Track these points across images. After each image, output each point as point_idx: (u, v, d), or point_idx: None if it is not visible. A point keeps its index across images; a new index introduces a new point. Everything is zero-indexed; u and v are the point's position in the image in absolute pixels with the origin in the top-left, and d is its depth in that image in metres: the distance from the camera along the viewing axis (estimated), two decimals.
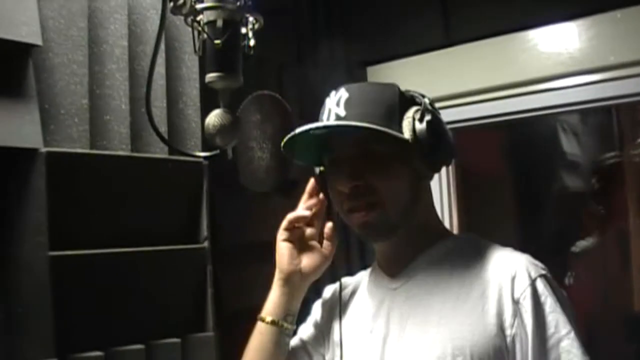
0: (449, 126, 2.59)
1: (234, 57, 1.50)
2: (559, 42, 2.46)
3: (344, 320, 1.57)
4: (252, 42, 1.52)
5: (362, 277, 1.65)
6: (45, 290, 1.63)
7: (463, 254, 1.47)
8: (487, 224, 3.77)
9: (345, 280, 1.67)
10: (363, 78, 2.85)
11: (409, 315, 1.43)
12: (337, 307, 1.59)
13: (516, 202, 4.16)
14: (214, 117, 1.45)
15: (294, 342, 1.66)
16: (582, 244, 3.90)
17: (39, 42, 1.68)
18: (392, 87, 1.47)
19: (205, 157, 1.80)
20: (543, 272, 1.41)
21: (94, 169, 1.77)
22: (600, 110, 4.05)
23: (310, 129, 1.40)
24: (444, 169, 2.67)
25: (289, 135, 1.42)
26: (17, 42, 1.63)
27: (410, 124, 1.38)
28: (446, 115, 2.70)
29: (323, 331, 1.65)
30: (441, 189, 2.78)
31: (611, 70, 2.39)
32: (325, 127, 1.41)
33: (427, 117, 1.39)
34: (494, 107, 2.64)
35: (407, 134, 1.38)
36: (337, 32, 2.84)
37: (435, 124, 1.41)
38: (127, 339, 1.80)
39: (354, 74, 2.86)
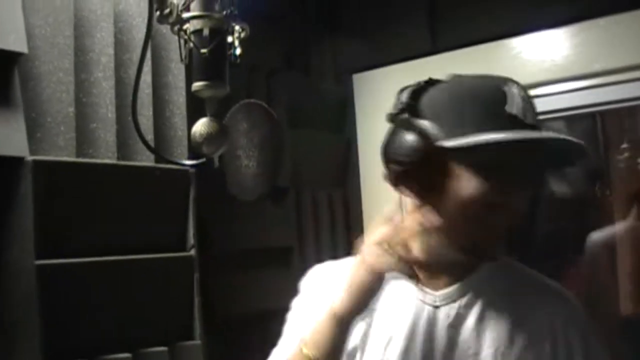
0: None
1: (221, 66, 1.50)
2: (544, 49, 2.48)
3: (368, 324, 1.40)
4: (238, 51, 1.52)
5: None
6: (32, 298, 1.62)
7: (511, 282, 1.39)
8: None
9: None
10: (349, 85, 2.87)
11: (455, 343, 1.33)
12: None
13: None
14: (201, 126, 1.45)
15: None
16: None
17: (25, 50, 1.67)
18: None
19: (191, 166, 1.80)
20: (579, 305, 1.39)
21: (81, 178, 1.76)
22: (585, 116, 4.07)
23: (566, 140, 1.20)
24: None
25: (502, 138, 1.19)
26: (3, 50, 1.62)
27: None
28: None
29: None
30: None
31: (595, 77, 2.42)
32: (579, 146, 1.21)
33: None
34: None
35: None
36: (324, 40, 2.86)
37: None
38: (115, 347, 1.79)
39: (340, 82, 2.87)
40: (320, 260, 2.69)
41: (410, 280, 1.35)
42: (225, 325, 2.20)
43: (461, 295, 1.35)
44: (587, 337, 1.34)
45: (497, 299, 1.34)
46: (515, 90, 1.24)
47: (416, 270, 1.34)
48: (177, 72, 2.05)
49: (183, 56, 1.50)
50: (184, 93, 2.02)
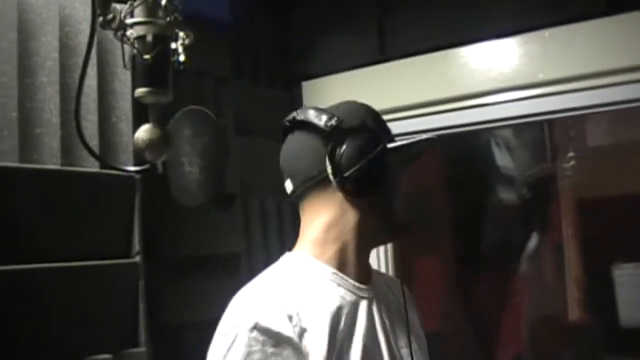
0: None
1: (164, 72, 1.49)
2: (491, 59, 2.52)
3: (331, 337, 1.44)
4: (182, 58, 1.52)
5: (305, 297, 1.46)
6: None
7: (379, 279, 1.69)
8: (423, 235, 3.82)
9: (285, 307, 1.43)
10: (298, 93, 2.87)
11: (393, 323, 1.57)
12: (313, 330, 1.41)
13: (451, 215, 4.23)
14: (143, 132, 1.45)
15: None
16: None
17: None
18: None
19: (135, 172, 1.79)
20: None
21: (24, 183, 1.75)
22: (533, 125, 4.14)
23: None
24: None
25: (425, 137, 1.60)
26: None
27: None
28: None
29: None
30: None
31: (541, 86, 2.46)
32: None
33: None
34: (427, 122, 2.69)
35: None
36: (273, 47, 2.86)
37: None
38: (58, 355, 1.78)
39: (289, 89, 2.88)
40: (268, 266, 2.71)
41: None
42: (171, 332, 2.18)
43: (372, 290, 1.58)
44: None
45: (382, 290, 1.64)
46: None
47: (354, 263, 1.56)
48: (123, 78, 2.03)
49: (125, 62, 1.49)
50: (130, 99, 2.01)
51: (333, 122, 1.51)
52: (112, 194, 1.93)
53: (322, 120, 1.52)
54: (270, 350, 1.35)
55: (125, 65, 1.49)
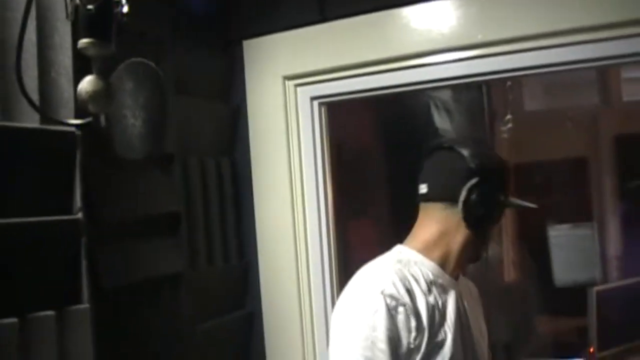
0: (322, 100, 2.67)
1: (107, 24, 1.48)
2: (430, 20, 2.55)
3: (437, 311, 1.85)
4: (125, 9, 1.50)
5: (414, 276, 1.85)
6: None
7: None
8: (360, 198, 3.86)
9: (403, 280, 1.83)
10: (239, 52, 2.87)
11: (468, 314, 1.95)
12: (423, 302, 1.81)
13: (389, 176, 4.26)
14: (87, 84, 1.44)
15: None
16: None
17: None
18: None
19: (77, 125, 1.78)
20: None
21: None
22: (472, 88, 4.19)
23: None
24: (318, 145, 2.76)
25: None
26: None
27: None
28: (320, 90, 2.79)
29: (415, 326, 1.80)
30: (316, 162, 2.82)
31: (480, 47, 2.49)
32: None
33: None
34: (367, 82, 2.71)
35: None
36: (214, 6, 2.84)
37: None
38: (0, 312, 1.76)
39: (230, 49, 2.87)
40: (208, 226, 2.72)
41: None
42: (113, 291, 2.18)
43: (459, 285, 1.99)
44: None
45: (465, 288, 2.06)
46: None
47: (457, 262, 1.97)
48: (63, 31, 1.98)
49: (68, 12, 1.47)
50: (70, 54, 1.98)
51: (477, 160, 1.86)
52: (53, 149, 1.91)
53: (467, 154, 1.87)
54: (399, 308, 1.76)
55: (67, 16, 1.47)
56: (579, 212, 4.67)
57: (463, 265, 1.98)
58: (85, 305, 1.97)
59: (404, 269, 1.84)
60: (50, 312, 1.87)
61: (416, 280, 1.82)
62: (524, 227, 4.67)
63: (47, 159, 1.91)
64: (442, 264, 1.92)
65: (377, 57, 2.65)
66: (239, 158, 2.92)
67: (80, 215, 1.96)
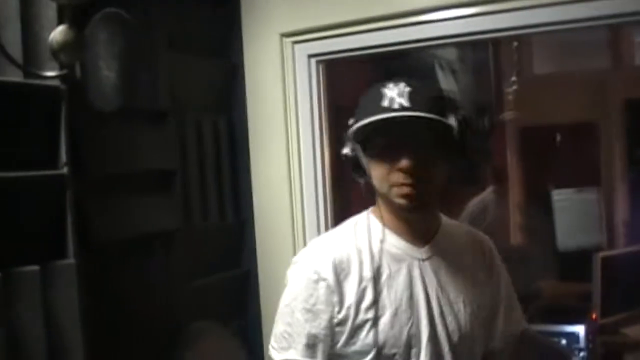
0: (320, 58, 2.62)
1: None
2: None
3: (370, 287, 1.73)
4: None
5: (357, 248, 1.77)
6: None
7: (454, 233, 1.88)
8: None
9: (336, 254, 1.76)
10: (236, 9, 2.83)
11: (441, 283, 1.77)
12: (355, 275, 1.73)
13: None
14: (58, 34, 1.41)
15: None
16: None
17: None
18: (439, 86, 1.80)
19: (53, 77, 1.75)
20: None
21: None
22: (478, 49, 4.13)
23: (396, 117, 1.62)
24: (315, 104, 2.72)
25: (365, 122, 1.64)
26: None
27: (460, 124, 1.66)
28: (318, 47, 2.75)
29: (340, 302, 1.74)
30: (312, 121, 2.80)
31: (486, 4, 2.45)
32: (416, 116, 1.61)
33: (468, 116, 1.69)
34: (367, 39, 2.68)
35: (456, 127, 1.66)
36: None
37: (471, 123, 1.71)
38: None
39: (227, 5, 2.83)
40: (204, 184, 2.70)
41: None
42: (102, 247, 2.17)
43: (435, 251, 1.80)
44: (501, 262, 1.92)
45: (454, 251, 1.83)
46: (385, 88, 1.66)
47: (403, 230, 1.79)
48: None
49: None
50: (54, 7, 1.95)
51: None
52: (37, 103, 1.89)
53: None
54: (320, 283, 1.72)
55: None
56: (586, 177, 4.62)
57: (412, 222, 1.78)
58: (70, 261, 1.96)
59: (348, 240, 1.78)
60: (34, 267, 1.87)
61: (359, 252, 1.75)
62: (528, 190, 4.64)
63: (31, 113, 1.90)
64: (392, 225, 1.79)
65: (378, 14, 2.61)
66: (236, 116, 2.90)
67: (65, 170, 1.94)
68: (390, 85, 1.66)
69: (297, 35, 2.77)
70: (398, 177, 1.66)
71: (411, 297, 1.73)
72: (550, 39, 4.06)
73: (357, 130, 1.68)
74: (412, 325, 1.72)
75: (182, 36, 2.60)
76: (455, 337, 1.76)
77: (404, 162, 1.63)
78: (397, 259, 1.76)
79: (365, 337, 1.70)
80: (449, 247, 1.83)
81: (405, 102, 1.62)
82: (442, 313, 1.76)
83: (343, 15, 2.66)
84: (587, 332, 3.27)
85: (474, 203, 4.22)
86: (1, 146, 1.84)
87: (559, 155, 4.65)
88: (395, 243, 1.77)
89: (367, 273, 1.72)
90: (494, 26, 2.49)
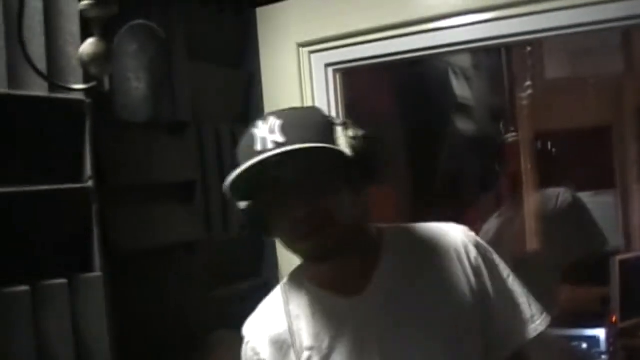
0: (337, 67, 2.63)
1: None
2: None
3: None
4: None
5: (293, 315, 1.61)
6: None
7: (407, 247, 1.60)
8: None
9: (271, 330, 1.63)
10: (253, 20, 2.85)
11: (396, 319, 1.52)
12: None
13: (406, 143, 4.23)
14: (88, 46, 1.42)
15: None
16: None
17: None
18: (316, 109, 1.57)
19: (81, 90, 1.76)
20: (474, 234, 1.64)
21: None
22: (491, 54, 4.14)
23: (263, 159, 1.39)
24: (333, 111, 2.72)
25: (236, 173, 1.42)
26: None
27: (349, 141, 1.45)
28: (335, 56, 2.76)
29: None
30: None
31: (499, 9, 2.46)
32: (284, 153, 1.39)
33: (360, 133, 1.47)
34: (383, 47, 2.69)
35: (347, 150, 1.44)
36: None
37: (368, 138, 1.48)
38: (13, 280, 1.77)
39: (243, 15, 2.84)
40: (223, 194, 2.70)
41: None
42: (126, 258, 2.18)
43: (378, 289, 1.54)
44: (485, 256, 1.60)
45: (409, 273, 1.56)
46: (256, 129, 1.46)
47: (324, 281, 1.60)
48: None
49: None
50: (77, 21, 1.96)
51: None
52: (63, 117, 1.91)
53: None
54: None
55: None
56: (602, 180, 4.61)
57: (340, 268, 1.56)
58: (97, 273, 1.97)
59: (282, 309, 1.63)
60: (62, 280, 1.88)
61: (296, 320, 1.59)
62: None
63: (57, 127, 1.91)
64: (324, 280, 1.60)
65: (393, 22, 2.63)
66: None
67: (90, 183, 1.96)
68: (260, 124, 1.46)
69: (313, 44, 2.78)
70: (293, 230, 1.48)
71: (362, 351, 1.53)
72: (562, 43, 4.06)
73: (235, 186, 1.45)
74: None
75: (199, 46, 2.61)
76: None
77: (295, 212, 1.44)
78: (337, 316, 1.56)
79: None
80: (398, 275, 1.56)
81: (279, 138, 1.41)
82: (401, 350, 1.51)
83: (359, 24, 2.67)
84: (608, 336, 3.26)
85: (490, 226, 4.17)
86: (27, 160, 1.86)
87: (575, 159, 4.63)
88: (330, 299, 1.58)
89: (307, 342, 1.55)
90: (510, 31, 2.50)
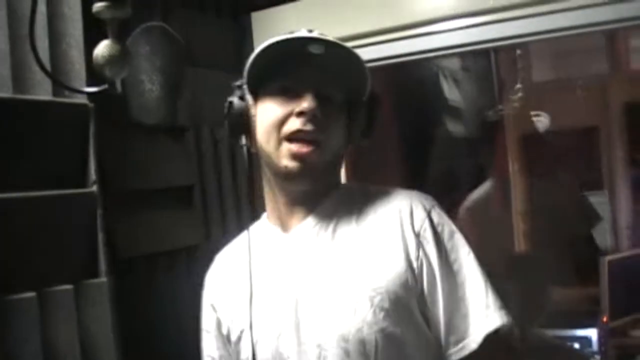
0: None
1: None
2: None
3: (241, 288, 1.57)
4: None
5: (239, 244, 1.69)
6: None
7: (356, 200, 1.56)
8: (372, 165, 3.83)
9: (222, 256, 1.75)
10: (248, 23, 2.85)
11: (320, 266, 1.48)
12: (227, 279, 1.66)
13: (399, 144, 4.24)
14: (103, 48, 1.41)
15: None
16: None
17: None
18: None
19: (93, 93, 1.75)
20: (434, 203, 1.53)
21: None
22: (480, 57, 4.16)
23: (312, 37, 1.45)
24: None
25: (273, 40, 1.47)
26: None
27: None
28: None
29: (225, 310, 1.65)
30: None
31: (488, 14, 2.47)
32: (330, 43, 1.44)
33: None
34: (375, 51, 2.69)
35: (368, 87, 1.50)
36: None
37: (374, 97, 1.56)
38: (18, 287, 1.75)
39: (238, 19, 2.84)
40: (222, 198, 2.70)
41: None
42: (129, 263, 2.18)
43: (314, 225, 1.53)
44: (436, 226, 1.50)
45: (347, 220, 1.52)
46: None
47: (280, 208, 1.59)
48: (73, 2, 1.97)
49: None
50: (80, 25, 1.96)
51: None
52: (66, 122, 1.90)
53: None
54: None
55: None
56: (590, 181, 4.64)
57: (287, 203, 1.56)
58: (103, 279, 1.96)
59: (234, 252, 1.71)
60: (68, 286, 1.87)
61: (239, 261, 1.62)
62: (535, 195, 4.64)
63: (61, 131, 1.90)
64: (270, 215, 1.63)
65: (385, 26, 2.64)
66: None
67: (95, 188, 1.95)
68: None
69: None
70: (294, 123, 1.44)
71: (282, 287, 1.51)
72: (549, 44, 4.09)
73: (256, 64, 1.52)
74: (280, 334, 1.48)
75: (196, 51, 2.61)
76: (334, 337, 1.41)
77: (306, 104, 1.43)
78: (275, 249, 1.57)
79: (244, 353, 1.54)
80: (330, 222, 1.52)
81: (316, 34, 1.47)
82: (316, 293, 1.47)
83: (352, 29, 2.67)
84: (600, 336, 3.28)
85: (472, 199, 4.14)
86: (31, 164, 1.85)
87: (563, 160, 4.67)
88: (275, 232, 1.60)
89: (240, 283, 1.57)
90: (499, 35, 2.51)
